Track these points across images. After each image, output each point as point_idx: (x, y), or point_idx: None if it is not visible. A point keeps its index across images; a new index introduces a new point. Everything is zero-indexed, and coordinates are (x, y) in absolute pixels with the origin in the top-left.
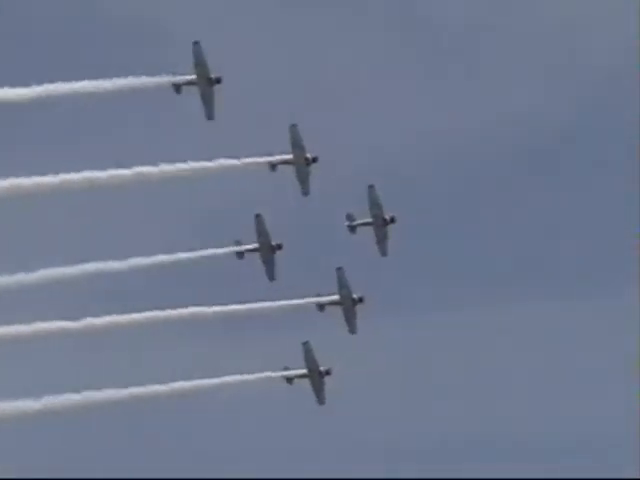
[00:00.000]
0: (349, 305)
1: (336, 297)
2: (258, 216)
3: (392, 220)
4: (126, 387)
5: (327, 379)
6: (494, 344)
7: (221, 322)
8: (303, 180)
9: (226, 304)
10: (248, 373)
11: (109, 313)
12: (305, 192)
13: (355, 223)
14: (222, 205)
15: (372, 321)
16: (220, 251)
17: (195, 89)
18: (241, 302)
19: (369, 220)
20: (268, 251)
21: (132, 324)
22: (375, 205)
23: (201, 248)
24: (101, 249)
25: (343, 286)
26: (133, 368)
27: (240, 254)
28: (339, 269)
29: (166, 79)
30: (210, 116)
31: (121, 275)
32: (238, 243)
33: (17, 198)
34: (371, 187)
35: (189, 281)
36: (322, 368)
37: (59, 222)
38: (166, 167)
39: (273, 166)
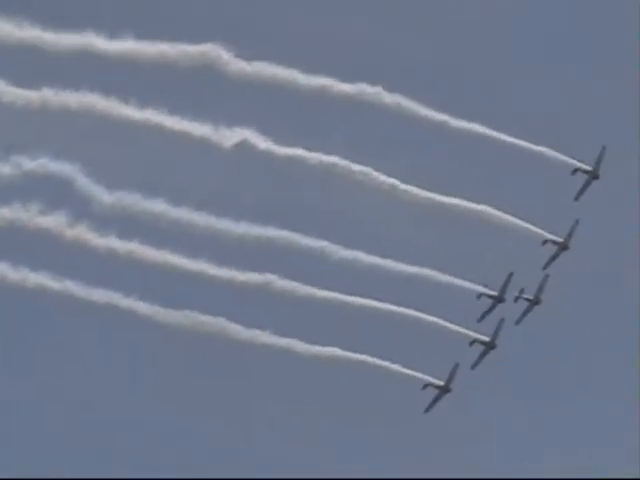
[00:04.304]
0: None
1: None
2: (510, 274)
3: (538, 302)
4: None
5: (447, 396)
6: None
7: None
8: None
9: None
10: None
11: None
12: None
13: (521, 296)
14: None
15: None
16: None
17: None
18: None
19: (531, 297)
20: (496, 301)
21: None
22: (540, 288)
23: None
24: None
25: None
26: None
27: (480, 295)
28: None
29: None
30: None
31: None
32: (485, 285)
33: None
34: (546, 277)
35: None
36: (451, 386)
37: None
38: None
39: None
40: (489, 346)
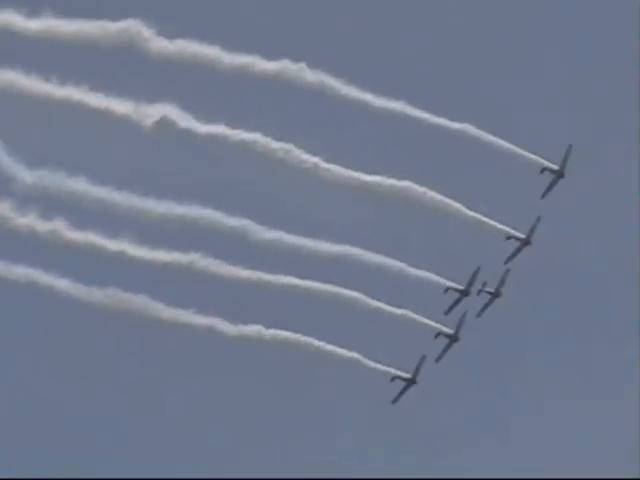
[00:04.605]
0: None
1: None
2: (478, 269)
3: (498, 295)
4: None
5: (412, 387)
6: None
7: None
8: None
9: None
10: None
11: None
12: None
13: (484, 289)
14: None
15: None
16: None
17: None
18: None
19: (492, 291)
20: (462, 295)
21: None
22: (501, 282)
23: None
24: None
25: None
26: None
27: (447, 289)
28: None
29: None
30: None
31: None
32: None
33: None
34: (507, 272)
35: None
36: (417, 378)
37: None
38: None
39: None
40: (453, 339)
